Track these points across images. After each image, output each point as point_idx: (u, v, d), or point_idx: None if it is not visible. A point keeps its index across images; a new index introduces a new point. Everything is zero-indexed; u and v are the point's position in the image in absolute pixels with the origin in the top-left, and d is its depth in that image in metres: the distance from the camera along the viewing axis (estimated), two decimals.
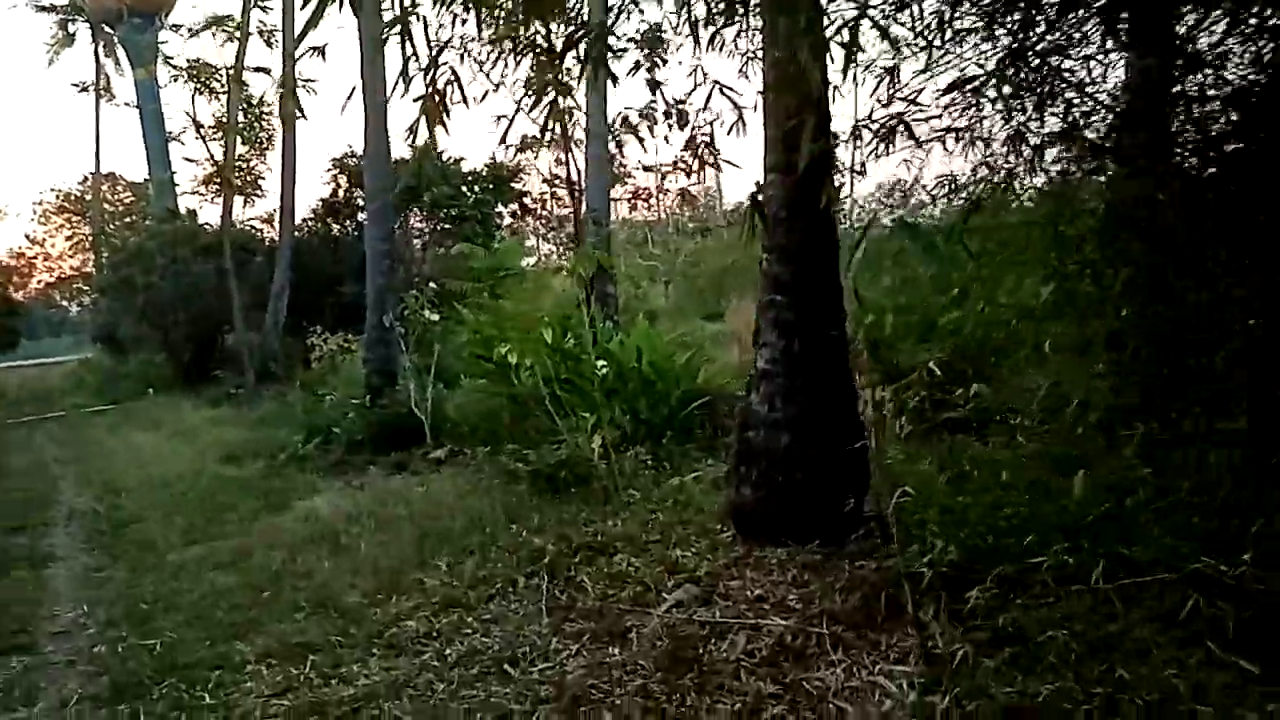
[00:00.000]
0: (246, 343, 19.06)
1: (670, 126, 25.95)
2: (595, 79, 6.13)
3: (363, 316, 19.13)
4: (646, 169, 26.86)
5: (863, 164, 5.34)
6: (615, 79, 6.77)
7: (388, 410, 11.18)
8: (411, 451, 10.46)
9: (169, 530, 8.39)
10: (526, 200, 22.78)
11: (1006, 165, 5.29)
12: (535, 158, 20.35)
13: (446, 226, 21.62)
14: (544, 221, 23.56)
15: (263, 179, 20.70)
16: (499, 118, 20.35)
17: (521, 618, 5.25)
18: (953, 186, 5.61)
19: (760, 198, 5.49)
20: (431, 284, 12.08)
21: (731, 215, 32.36)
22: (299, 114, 20.96)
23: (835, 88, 4.98)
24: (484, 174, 22.35)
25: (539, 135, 21.63)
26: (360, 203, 22.76)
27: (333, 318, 20.18)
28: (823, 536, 5.16)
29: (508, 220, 22.79)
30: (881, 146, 4.83)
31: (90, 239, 34.52)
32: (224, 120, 20.02)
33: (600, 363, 8.34)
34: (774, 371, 5.32)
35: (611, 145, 14.12)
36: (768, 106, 5.43)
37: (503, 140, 20.07)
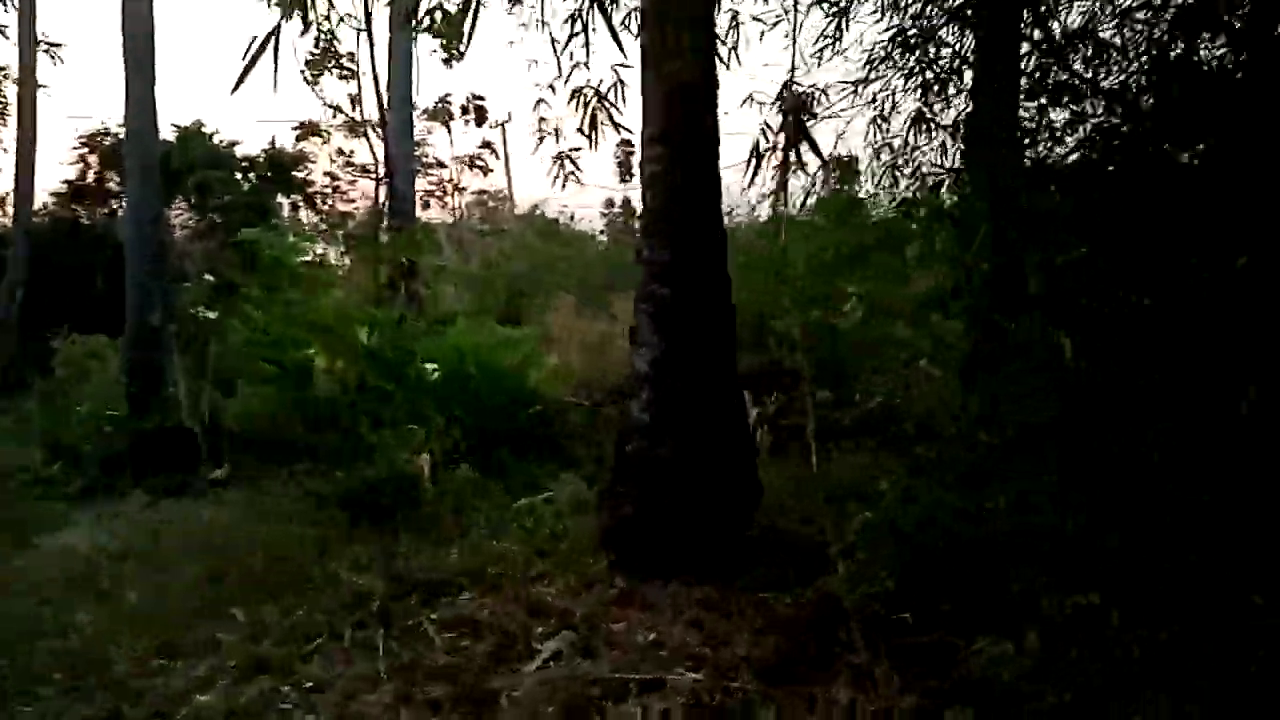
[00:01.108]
0: None
1: (467, 121, 24.63)
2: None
3: (117, 316, 16.97)
4: (439, 164, 25.58)
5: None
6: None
7: (154, 423, 9.56)
8: (185, 472, 8.96)
9: None
10: (310, 190, 20.89)
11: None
12: (324, 142, 18.66)
13: (215, 216, 19.49)
14: (325, 215, 21.74)
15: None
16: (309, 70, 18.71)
17: (353, 682, 4.23)
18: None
19: (639, 172, 4.76)
20: (207, 276, 10.52)
21: (525, 217, 31.48)
22: (40, 84, 18.27)
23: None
24: (261, 160, 20.35)
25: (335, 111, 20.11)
26: (114, 187, 20.21)
27: (82, 318, 17.67)
28: (717, 565, 4.48)
29: (287, 212, 20.84)
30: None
31: None
32: None
33: (430, 365, 7.30)
34: (655, 375, 4.60)
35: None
36: (648, 63, 4.70)
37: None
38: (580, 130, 4.25)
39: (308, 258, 9.00)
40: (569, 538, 5.39)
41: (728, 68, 4.67)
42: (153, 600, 5.49)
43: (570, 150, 3.98)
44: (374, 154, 15.17)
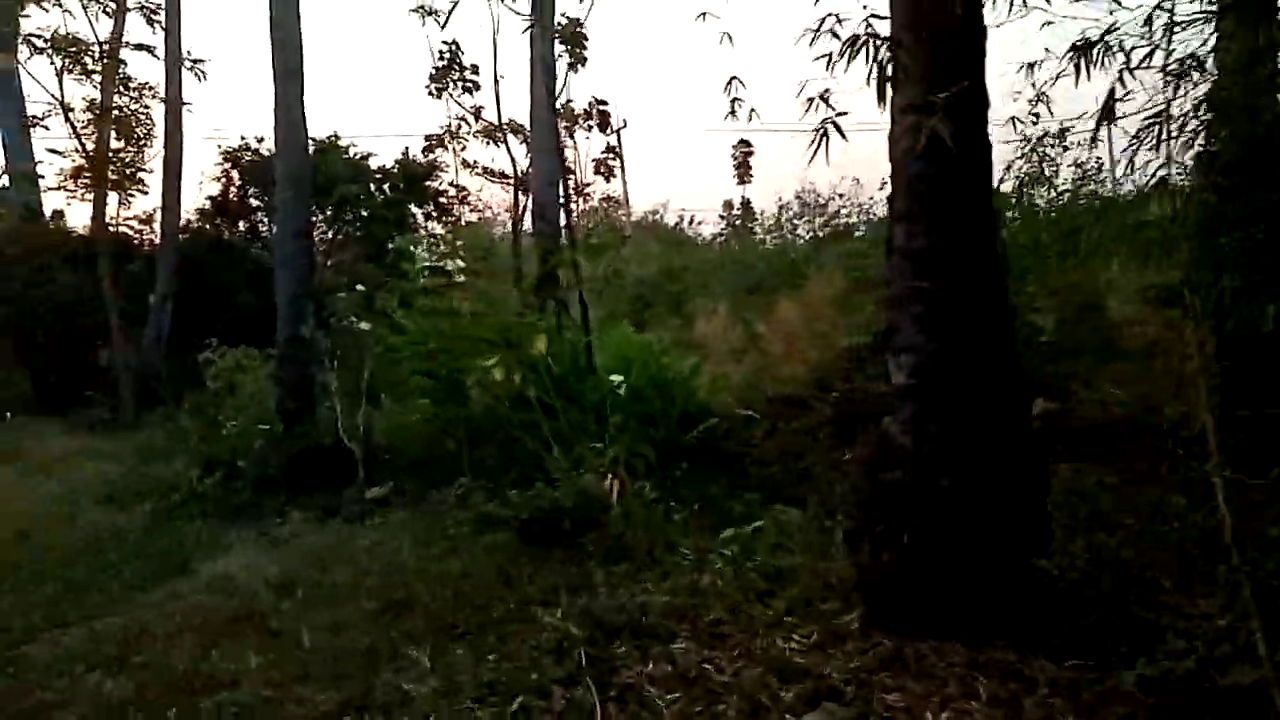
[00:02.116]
0: (124, 360, 16.61)
1: (590, 127, 24.21)
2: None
3: (260, 331, 17.01)
4: (568, 170, 25.21)
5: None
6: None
7: (308, 439, 9.22)
8: (342, 491, 8.55)
9: (28, 605, 6.34)
10: (442, 200, 20.73)
11: None
12: (462, 149, 18.44)
13: (355, 229, 19.49)
14: (454, 223, 21.59)
15: (143, 173, 18.21)
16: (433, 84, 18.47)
17: None
18: None
19: (889, 148, 3.97)
20: (359, 287, 10.16)
21: (646, 223, 30.93)
22: (185, 102, 18.58)
23: None
24: (394, 171, 20.29)
25: (461, 122, 19.88)
26: (255, 202, 20.49)
27: (225, 332, 17.85)
28: (1001, 622, 3.64)
29: (421, 221, 20.73)
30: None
31: None
32: (97, 104, 17.38)
33: (615, 377, 6.63)
34: (922, 387, 3.78)
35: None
36: (900, 21, 3.90)
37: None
38: (871, 82, 3.43)
39: (462, 265, 8.45)
40: (797, 580, 4.59)
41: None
42: (327, 641, 4.95)
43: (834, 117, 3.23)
44: (512, 160, 14.83)
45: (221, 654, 4.99)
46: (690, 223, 32.55)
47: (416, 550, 6.32)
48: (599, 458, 6.03)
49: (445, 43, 26.07)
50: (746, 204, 40.89)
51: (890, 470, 3.82)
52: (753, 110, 4.85)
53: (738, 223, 36.32)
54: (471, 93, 26.50)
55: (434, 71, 26.49)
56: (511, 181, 14.41)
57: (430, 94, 25.27)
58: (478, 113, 24.60)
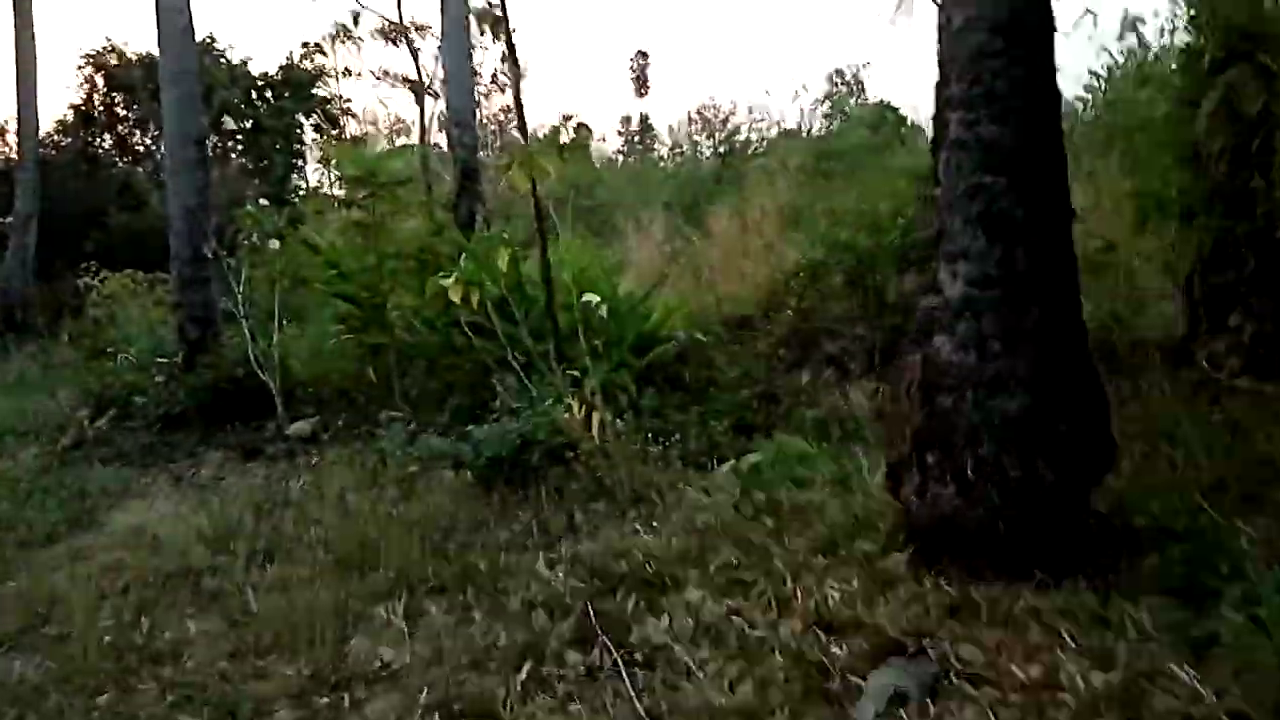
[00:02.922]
0: None
1: (483, 31, 22.73)
2: None
3: (137, 253, 15.63)
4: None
5: None
6: None
7: (216, 370, 8.35)
8: (260, 427, 7.80)
9: None
10: (330, 109, 19.27)
11: None
12: (352, 51, 16.99)
13: (236, 140, 18.02)
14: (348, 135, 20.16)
15: None
16: None
17: None
18: None
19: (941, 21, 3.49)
20: (262, 202, 9.21)
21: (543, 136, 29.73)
22: None
23: None
24: (278, 78, 18.77)
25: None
26: (122, 111, 18.73)
27: (97, 255, 16.34)
28: (1070, 557, 3.32)
29: (310, 134, 19.31)
30: None
31: None
32: None
33: (591, 297, 6.03)
34: (986, 299, 3.36)
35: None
36: None
37: None
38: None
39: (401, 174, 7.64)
40: (817, 517, 4.18)
41: None
42: (280, 603, 4.33)
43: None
44: (417, 64, 13.77)
45: (154, 622, 4.33)
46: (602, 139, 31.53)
47: (363, 493, 5.69)
48: (574, 388, 5.47)
49: None
50: (645, 120, 40.02)
51: (944, 394, 3.41)
52: None
53: (637, 139, 35.48)
54: None
55: None
56: (415, 87, 13.36)
57: None
58: (357, 17, 22.97)
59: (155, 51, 18.48)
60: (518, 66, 5.94)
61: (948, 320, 3.43)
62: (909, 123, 16.06)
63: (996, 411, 3.31)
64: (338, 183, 8.34)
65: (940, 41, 3.56)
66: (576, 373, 5.73)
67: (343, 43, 17.89)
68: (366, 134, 21.99)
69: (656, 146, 31.80)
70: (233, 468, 6.93)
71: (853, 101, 22.36)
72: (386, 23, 14.26)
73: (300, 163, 18.82)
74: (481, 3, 11.53)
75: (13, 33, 16.39)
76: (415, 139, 15.36)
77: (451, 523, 5.04)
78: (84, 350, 11.92)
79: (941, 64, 3.55)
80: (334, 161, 8.03)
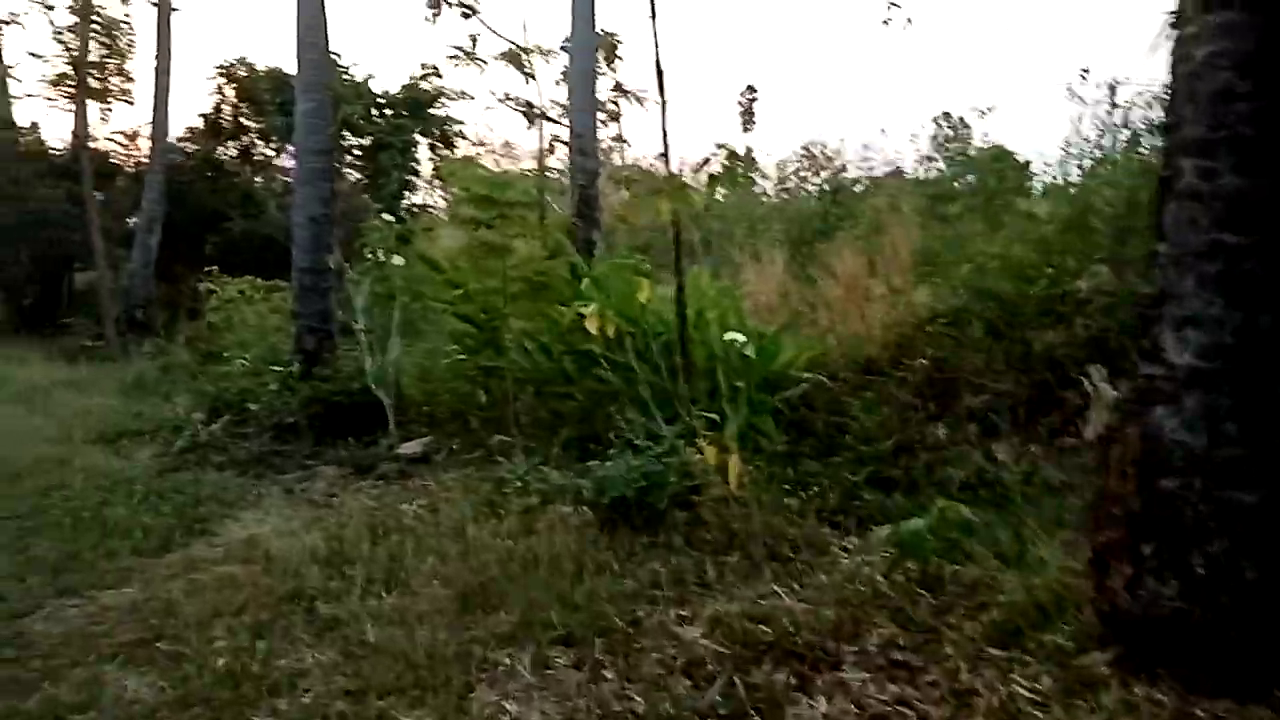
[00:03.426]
0: (108, 285, 15.52)
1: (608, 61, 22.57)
2: None
3: (253, 259, 15.94)
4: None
5: None
6: None
7: (332, 383, 8.30)
8: (371, 443, 7.69)
9: (26, 566, 5.47)
10: (449, 129, 19.48)
11: None
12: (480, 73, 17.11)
13: (356, 156, 18.33)
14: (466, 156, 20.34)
15: (129, 82, 16.85)
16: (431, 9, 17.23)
17: None
18: None
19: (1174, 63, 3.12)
20: (386, 216, 9.20)
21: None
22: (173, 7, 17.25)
23: None
24: (400, 97, 19.07)
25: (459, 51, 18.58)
26: (246, 122, 19.23)
27: (215, 259, 16.74)
28: None
29: (426, 152, 19.54)
30: None
31: None
32: (79, 2, 15.95)
33: (735, 336, 5.75)
34: (1220, 372, 2.96)
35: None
36: None
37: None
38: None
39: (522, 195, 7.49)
40: (990, 598, 3.78)
41: None
42: (398, 637, 4.11)
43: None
44: (537, 87, 13.75)
45: (270, 646, 4.15)
46: (694, 169, 31.44)
47: (481, 524, 5.47)
48: (712, 429, 5.17)
49: None
50: (750, 154, 39.83)
51: (1166, 477, 3.01)
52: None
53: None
54: (468, 17, 25.09)
55: None
56: (534, 111, 13.35)
57: (427, 19, 23.89)
58: (475, 40, 23.24)
59: (284, 66, 19.16)
60: (665, 96, 5.71)
61: (1172, 392, 3.03)
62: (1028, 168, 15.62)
63: (1230, 503, 2.90)
64: (459, 202, 8.17)
65: (1173, 79, 3.19)
66: (712, 414, 5.42)
67: (463, 66, 18.10)
68: (477, 155, 22.28)
69: (761, 182, 31.53)
70: (345, 484, 6.80)
71: (964, 145, 21.82)
72: (512, 46, 14.31)
73: (413, 180, 19.02)
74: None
75: (154, 42, 16.97)
76: (527, 163, 15.39)
77: (575, 565, 4.76)
78: (198, 353, 12.14)
79: (1173, 104, 3.18)
80: (457, 180, 7.87)
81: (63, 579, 5.21)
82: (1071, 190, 8.87)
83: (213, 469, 7.50)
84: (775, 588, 4.36)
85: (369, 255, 8.24)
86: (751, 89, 45.75)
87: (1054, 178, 17.39)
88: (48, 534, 6.03)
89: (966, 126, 27.33)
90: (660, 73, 5.62)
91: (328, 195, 9.20)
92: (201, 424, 8.41)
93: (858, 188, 20.55)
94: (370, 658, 3.98)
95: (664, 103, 5.66)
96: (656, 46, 5.57)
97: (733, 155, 5.32)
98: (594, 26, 11.25)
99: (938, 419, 6.97)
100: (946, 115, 28.70)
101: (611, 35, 17.02)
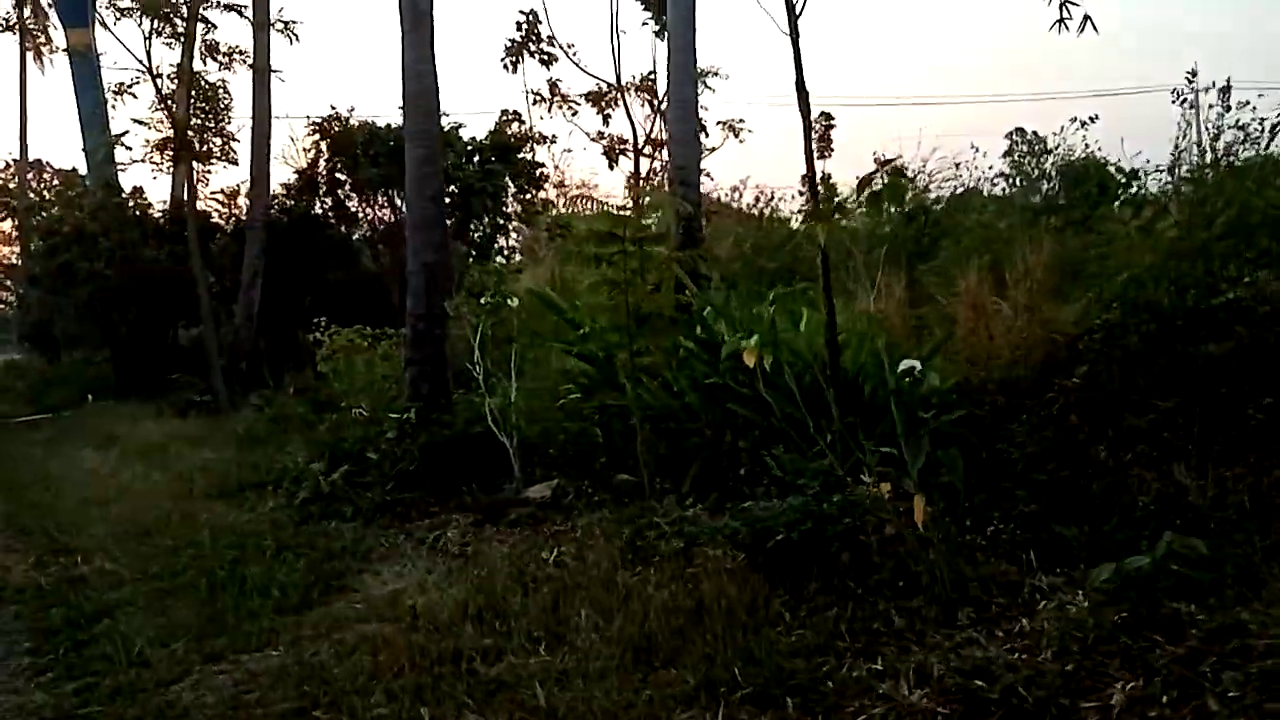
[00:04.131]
0: (214, 340, 15.77)
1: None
2: None
3: (351, 308, 16.07)
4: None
5: None
6: None
7: (451, 428, 8.14)
8: (495, 489, 7.48)
9: (166, 630, 5.31)
10: (538, 173, 19.52)
11: None
12: (572, 115, 17.10)
13: (449, 203, 18.43)
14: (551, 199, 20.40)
15: (234, 142, 17.28)
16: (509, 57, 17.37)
17: None
18: None
19: None
20: (499, 261, 9.08)
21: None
22: (274, 69, 17.66)
23: None
24: (486, 143, 19.17)
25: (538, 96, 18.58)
26: (341, 176, 19.51)
27: (314, 310, 16.95)
28: None
29: (514, 194, 19.55)
30: None
31: (14, 227, 30.23)
32: (183, 69, 16.40)
33: (913, 363, 5.40)
34: None
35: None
36: None
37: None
38: None
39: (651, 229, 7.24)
40: (1260, 642, 3.30)
41: None
42: (572, 700, 3.81)
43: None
44: (632, 124, 13.64)
45: (433, 714, 3.89)
46: (770, 199, 31.14)
47: (626, 571, 5.16)
48: (883, 464, 4.80)
49: (522, 12, 24.97)
50: (827, 179, 39.40)
51: None
52: None
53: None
54: (548, 65, 25.25)
55: (509, 44, 25.34)
56: (631, 148, 13.19)
57: (505, 67, 24.16)
58: (554, 86, 23.36)
59: (375, 119, 19.46)
60: (809, 119, 5.39)
61: None
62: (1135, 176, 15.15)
63: None
64: (578, 240, 7.99)
65: None
66: (886, 448, 5.04)
67: (546, 108, 18.15)
68: (560, 197, 22.34)
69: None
70: (477, 532, 6.57)
71: (1045, 159, 21.22)
72: (601, 85, 14.25)
73: (504, 223, 19.07)
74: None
75: (250, 100, 17.37)
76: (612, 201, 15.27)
77: (743, 615, 4.41)
78: (307, 403, 12.17)
79: None
80: (582, 221, 7.71)
81: (206, 643, 5.04)
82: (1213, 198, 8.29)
83: (338, 520, 7.36)
84: (975, 635, 3.97)
85: (483, 298, 8.07)
86: (828, 115, 45.26)
87: (1164, 184, 16.66)
88: (184, 595, 5.91)
89: (1041, 141, 26.65)
90: (803, 93, 5.31)
91: (439, 241, 9.11)
92: (322, 474, 8.29)
93: (937, 206, 20.01)
94: None
95: (808, 125, 5.34)
96: (799, 66, 5.26)
97: (898, 172, 4.93)
98: (695, 55, 11.05)
99: (1097, 442, 6.50)
100: (1019, 130, 28.07)
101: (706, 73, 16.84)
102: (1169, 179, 17.42)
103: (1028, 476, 5.59)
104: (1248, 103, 12.11)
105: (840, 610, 4.36)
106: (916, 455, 4.81)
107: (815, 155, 5.48)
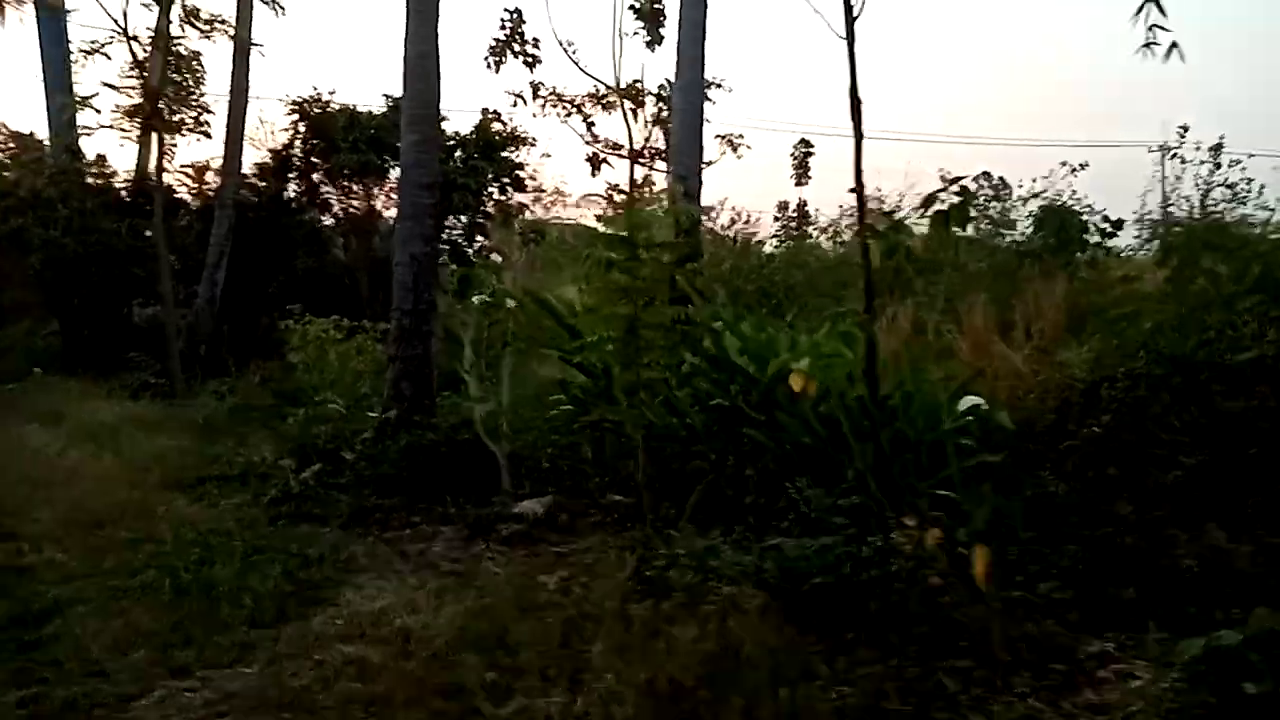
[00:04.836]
0: (175, 320, 15.08)
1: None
2: None
3: (317, 297, 15.51)
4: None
5: None
6: None
7: (436, 432, 7.68)
8: (483, 500, 7.04)
9: (126, 636, 4.80)
10: (524, 174, 18.99)
11: None
12: (569, 115, 16.59)
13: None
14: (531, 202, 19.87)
15: (210, 114, 16.57)
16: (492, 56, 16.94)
17: None
18: None
19: None
20: (495, 257, 8.65)
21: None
22: (255, 42, 17.04)
23: None
24: (472, 138, 18.67)
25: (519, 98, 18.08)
26: (316, 160, 18.89)
27: (280, 296, 16.30)
28: None
29: (495, 195, 19.03)
30: None
31: None
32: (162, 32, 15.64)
33: (976, 400, 5.09)
34: None
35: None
36: None
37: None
38: None
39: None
40: None
41: None
42: None
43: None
44: (629, 129, 13.30)
45: None
46: (748, 221, 30.87)
47: (638, 604, 4.77)
48: (934, 508, 4.47)
49: (507, 10, 24.43)
50: (803, 206, 39.30)
51: None
52: None
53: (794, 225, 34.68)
54: (531, 67, 24.68)
55: (493, 43, 24.74)
56: (627, 154, 12.85)
57: (488, 66, 23.57)
58: (536, 88, 22.80)
59: (357, 104, 18.89)
60: (861, 130, 5.07)
61: None
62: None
63: None
64: (587, 244, 7.60)
65: None
66: (940, 491, 4.72)
67: (540, 107, 17.72)
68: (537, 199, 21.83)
69: (814, 234, 30.88)
70: (465, 547, 6.14)
71: (1011, 205, 21.47)
72: (599, 86, 13.89)
73: (482, 222, 18.55)
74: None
75: (230, 74, 16.73)
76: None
77: (775, 665, 4.05)
78: (272, 394, 11.60)
79: None
80: (606, 224, 7.30)
81: (171, 654, 4.56)
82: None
83: (311, 523, 6.87)
84: (1038, 705, 3.64)
85: (477, 297, 7.64)
86: (806, 143, 45.23)
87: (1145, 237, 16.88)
88: (144, 596, 5.39)
89: (1006, 187, 26.92)
90: (856, 102, 5.00)
91: (430, 233, 8.66)
92: (292, 472, 7.79)
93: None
94: None
95: (859, 136, 5.02)
96: (853, 74, 4.94)
97: (965, 191, 4.64)
98: (703, 66, 10.76)
99: (1119, 494, 6.26)
100: (986, 175, 28.28)
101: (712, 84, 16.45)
102: (1144, 234, 17.65)
103: (1073, 530, 5.29)
104: (1239, 161, 12.24)
105: (884, 666, 4.02)
106: (978, 502, 4.48)
107: (856, 177, 5.14)
